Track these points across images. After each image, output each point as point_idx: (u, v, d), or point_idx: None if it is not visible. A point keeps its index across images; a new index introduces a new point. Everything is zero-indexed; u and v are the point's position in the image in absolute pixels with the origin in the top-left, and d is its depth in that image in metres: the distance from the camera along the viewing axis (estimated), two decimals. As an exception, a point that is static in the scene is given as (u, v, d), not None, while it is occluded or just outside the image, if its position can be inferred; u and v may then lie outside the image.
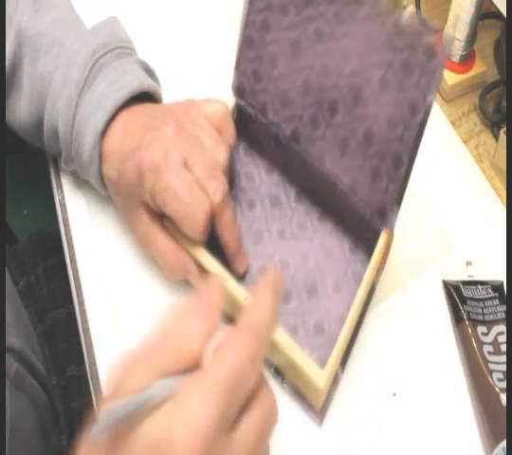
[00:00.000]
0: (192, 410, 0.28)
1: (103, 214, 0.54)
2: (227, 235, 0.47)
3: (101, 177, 0.50)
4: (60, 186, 0.56)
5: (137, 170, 0.45)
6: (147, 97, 0.51)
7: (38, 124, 0.52)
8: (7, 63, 0.50)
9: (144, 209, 0.47)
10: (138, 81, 0.50)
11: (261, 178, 0.52)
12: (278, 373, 0.46)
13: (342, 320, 0.43)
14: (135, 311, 0.50)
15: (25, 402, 0.51)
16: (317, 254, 0.48)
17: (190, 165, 0.45)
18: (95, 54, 0.49)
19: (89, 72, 0.49)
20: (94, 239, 0.53)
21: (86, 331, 0.49)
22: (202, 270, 0.47)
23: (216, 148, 0.47)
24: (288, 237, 0.49)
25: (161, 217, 0.47)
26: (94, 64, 0.49)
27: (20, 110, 0.51)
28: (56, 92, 0.49)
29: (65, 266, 0.53)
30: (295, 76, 0.45)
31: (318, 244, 0.49)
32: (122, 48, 0.51)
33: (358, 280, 0.44)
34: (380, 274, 0.48)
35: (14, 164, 1.20)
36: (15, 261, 0.67)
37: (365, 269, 0.44)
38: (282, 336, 0.41)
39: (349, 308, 0.43)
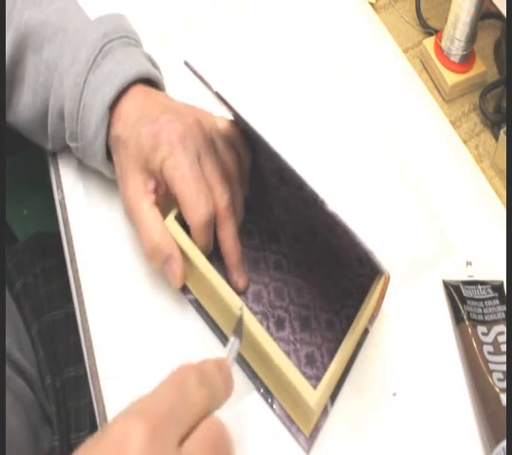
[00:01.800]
0: (143, 401, 0.32)
1: (104, 214, 0.54)
2: (228, 244, 0.47)
3: (107, 152, 0.50)
4: (60, 186, 0.56)
5: (154, 138, 0.45)
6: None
7: (42, 115, 0.51)
8: (6, 60, 0.49)
9: (144, 177, 0.46)
10: (146, 67, 0.50)
11: (260, 212, 0.52)
12: (268, 393, 0.46)
13: (334, 356, 0.42)
14: (135, 311, 0.50)
15: (10, 401, 0.51)
16: (311, 291, 0.49)
17: (201, 162, 0.46)
18: (104, 37, 0.49)
19: (98, 52, 0.49)
20: (94, 239, 0.53)
21: (86, 331, 0.49)
22: (191, 271, 0.47)
23: (228, 157, 0.48)
24: (284, 270, 0.49)
25: (157, 196, 0.47)
26: (103, 46, 0.49)
27: (22, 105, 0.51)
28: (64, 72, 0.49)
29: (64, 267, 0.53)
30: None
31: (313, 283, 0.49)
32: (129, 39, 0.52)
33: (351, 323, 0.44)
34: (375, 319, 0.48)
35: (14, 164, 1.20)
36: (13, 261, 0.67)
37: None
38: (277, 354, 0.41)
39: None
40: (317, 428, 0.45)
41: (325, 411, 0.45)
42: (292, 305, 0.48)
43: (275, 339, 0.45)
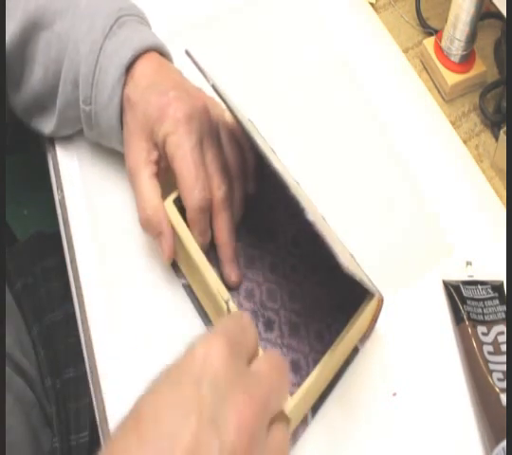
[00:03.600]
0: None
1: (104, 214, 0.54)
2: (222, 237, 0.47)
3: (120, 118, 0.49)
4: (60, 186, 0.56)
5: (161, 110, 0.45)
6: None
7: (52, 88, 0.51)
8: (14, 41, 0.49)
9: (148, 147, 0.47)
10: (161, 41, 0.50)
11: (262, 212, 0.52)
12: None
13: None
14: (134, 311, 0.50)
15: (11, 402, 0.51)
16: (304, 299, 0.48)
17: (204, 148, 0.46)
18: (119, 11, 0.50)
19: (114, 22, 0.49)
20: (94, 239, 0.53)
21: (86, 331, 0.49)
22: (183, 255, 0.47)
23: (231, 150, 0.48)
24: (280, 273, 0.49)
25: (158, 167, 0.47)
26: (118, 18, 0.49)
27: (32, 81, 0.51)
28: (79, 40, 0.49)
29: (64, 267, 0.53)
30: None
31: (306, 291, 0.49)
32: (142, 19, 0.52)
33: None
34: (367, 338, 0.48)
35: (14, 164, 1.20)
36: (13, 262, 0.66)
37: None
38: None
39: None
40: (295, 437, 0.44)
41: (305, 422, 0.45)
42: (283, 309, 0.48)
43: (262, 340, 0.45)
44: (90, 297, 0.51)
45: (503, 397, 0.43)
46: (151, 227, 0.46)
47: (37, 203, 1.24)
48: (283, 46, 0.63)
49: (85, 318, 0.50)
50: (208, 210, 0.46)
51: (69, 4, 0.50)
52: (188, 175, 0.44)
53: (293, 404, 0.40)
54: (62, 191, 0.55)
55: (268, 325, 0.47)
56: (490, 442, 0.43)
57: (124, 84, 0.48)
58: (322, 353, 0.42)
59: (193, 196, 0.45)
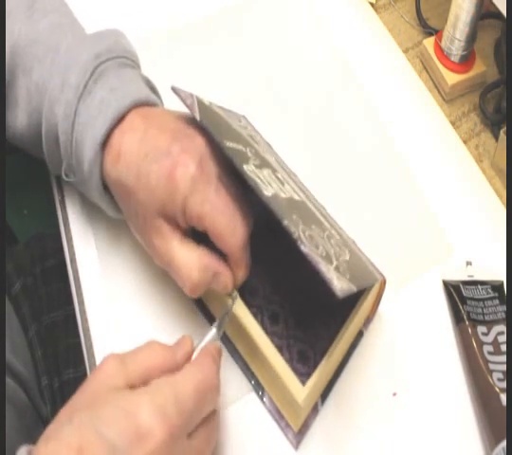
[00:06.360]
0: (166, 400, 0.35)
1: (104, 214, 0.54)
2: (243, 257, 0.45)
3: (104, 187, 0.46)
4: (60, 186, 0.56)
5: (168, 178, 0.40)
6: None
7: (38, 137, 0.48)
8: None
9: (163, 221, 0.42)
10: (142, 93, 0.46)
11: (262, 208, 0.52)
12: (259, 385, 0.46)
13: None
14: (135, 311, 0.50)
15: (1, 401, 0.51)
16: (308, 291, 0.48)
17: (223, 180, 0.42)
18: (97, 58, 0.45)
19: (90, 76, 0.45)
20: (94, 239, 0.53)
21: (86, 331, 0.49)
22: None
23: None
24: (283, 266, 0.49)
25: (181, 230, 0.43)
26: (95, 69, 0.45)
27: (19, 125, 0.49)
28: (53, 98, 0.45)
29: (64, 269, 0.53)
30: None
31: (310, 283, 0.49)
32: (126, 59, 0.47)
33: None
34: (370, 321, 0.48)
35: (14, 164, 1.20)
36: (12, 263, 0.66)
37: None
38: (269, 349, 0.41)
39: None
40: (306, 425, 0.45)
41: (315, 410, 0.45)
42: (287, 302, 0.48)
43: (269, 333, 0.45)
44: (90, 297, 0.51)
45: (503, 397, 0.43)
46: (201, 288, 0.42)
47: (37, 203, 1.23)
48: (283, 46, 0.63)
49: (85, 318, 0.50)
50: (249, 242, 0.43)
51: (49, 49, 0.46)
52: (225, 222, 0.41)
53: (306, 394, 0.40)
54: (62, 190, 0.55)
55: (274, 318, 0.47)
56: (490, 442, 0.43)
57: (107, 162, 0.44)
58: (329, 340, 0.42)
59: (236, 234, 0.41)
